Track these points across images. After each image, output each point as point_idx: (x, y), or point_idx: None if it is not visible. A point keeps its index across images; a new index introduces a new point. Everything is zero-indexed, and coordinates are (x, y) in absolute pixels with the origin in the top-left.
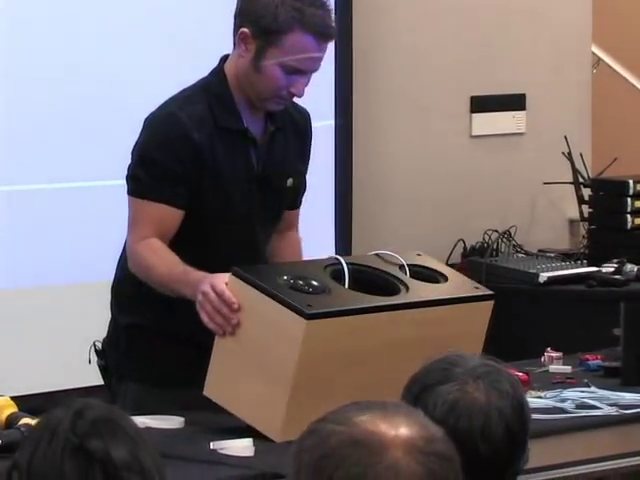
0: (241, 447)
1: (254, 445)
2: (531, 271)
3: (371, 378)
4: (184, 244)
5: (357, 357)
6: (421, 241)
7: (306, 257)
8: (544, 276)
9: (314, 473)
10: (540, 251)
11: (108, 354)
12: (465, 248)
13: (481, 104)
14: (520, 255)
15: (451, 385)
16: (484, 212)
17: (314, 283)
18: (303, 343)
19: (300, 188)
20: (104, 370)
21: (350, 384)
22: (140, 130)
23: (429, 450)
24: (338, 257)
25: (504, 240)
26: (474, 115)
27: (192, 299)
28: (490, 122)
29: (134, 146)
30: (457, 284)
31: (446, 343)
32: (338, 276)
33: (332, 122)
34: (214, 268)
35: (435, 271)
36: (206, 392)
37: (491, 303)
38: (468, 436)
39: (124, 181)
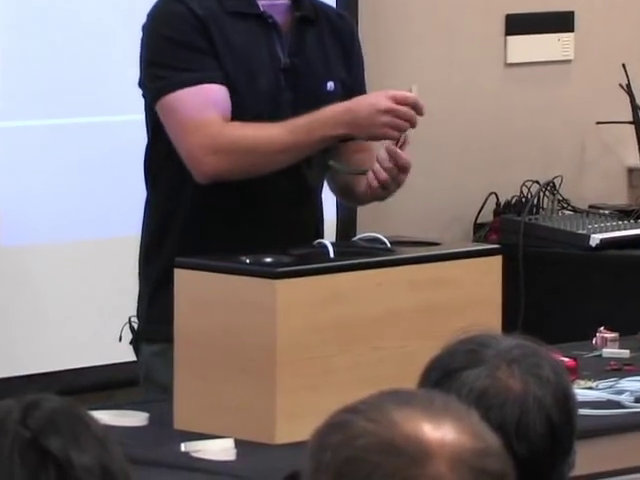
0: (220, 449)
1: (235, 447)
2: (580, 232)
3: (375, 358)
4: None
5: (353, 331)
6: (443, 195)
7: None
8: (596, 238)
9: (336, 477)
10: (591, 207)
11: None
12: (498, 204)
13: (518, 24)
14: (566, 212)
15: (480, 370)
16: (522, 159)
17: (283, 258)
18: (279, 311)
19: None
20: (137, 350)
21: (350, 366)
22: (141, 38)
23: (480, 466)
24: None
25: (547, 194)
26: (510, 38)
27: (343, 134)
28: (529, 47)
29: (140, 53)
30: (454, 244)
31: (457, 313)
32: (311, 254)
33: None
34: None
35: (426, 242)
36: (177, 425)
37: (499, 259)
38: (500, 432)
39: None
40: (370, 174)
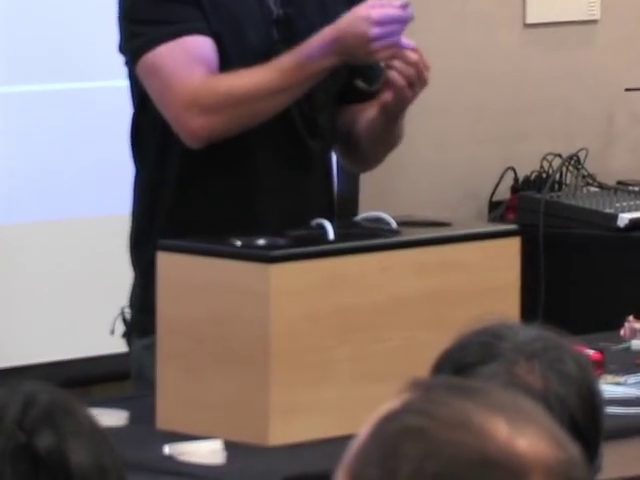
0: (207, 451)
1: (225, 449)
2: (607, 211)
3: (379, 350)
4: None
5: (354, 320)
6: (455, 170)
7: None
8: (625, 218)
9: None
10: (619, 183)
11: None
12: (517, 179)
13: None
14: (592, 189)
15: (496, 365)
16: (542, 130)
17: (273, 237)
18: (272, 298)
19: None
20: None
21: (352, 358)
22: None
23: (569, 478)
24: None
25: (570, 168)
26: None
27: (335, 64)
28: (551, 5)
29: (117, 12)
30: (467, 225)
31: (469, 301)
32: (308, 236)
33: None
34: (238, 145)
35: (436, 222)
36: (160, 424)
37: (517, 241)
38: None
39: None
40: (394, 74)
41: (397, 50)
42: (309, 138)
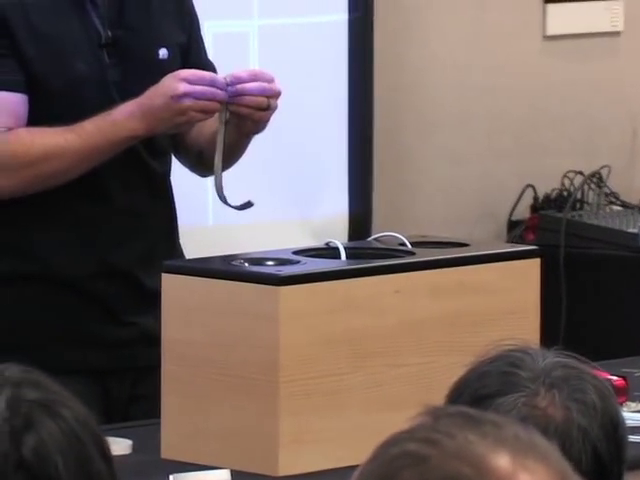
0: None
1: (232, 477)
2: (631, 230)
3: (393, 376)
4: None
5: (368, 344)
6: (472, 188)
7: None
8: None
9: None
10: None
11: None
12: (536, 198)
13: None
14: (615, 208)
15: (515, 396)
16: (563, 146)
17: (283, 257)
18: (282, 322)
19: (197, 65)
20: None
21: (365, 385)
22: None
23: None
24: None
25: (592, 186)
26: (549, 6)
27: (143, 133)
28: (572, 16)
29: None
30: (485, 245)
31: (487, 324)
32: (320, 256)
33: (344, 16)
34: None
35: (452, 242)
36: (165, 453)
37: (537, 262)
38: None
39: None
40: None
41: (213, 110)
42: (150, 159)
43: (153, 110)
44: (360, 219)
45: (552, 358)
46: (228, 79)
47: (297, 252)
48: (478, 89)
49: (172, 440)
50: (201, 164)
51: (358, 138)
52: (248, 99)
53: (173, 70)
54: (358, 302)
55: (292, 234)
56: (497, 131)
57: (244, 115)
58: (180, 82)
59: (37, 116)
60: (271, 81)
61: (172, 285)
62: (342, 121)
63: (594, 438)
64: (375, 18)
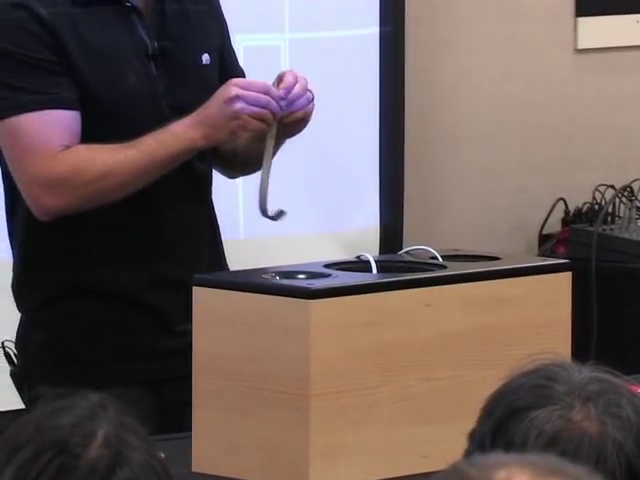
0: None
1: None
2: None
3: (424, 389)
4: None
5: (399, 358)
6: (503, 201)
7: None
8: None
9: None
10: None
11: (17, 357)
12: (567, 211)
13: (591, 4)
14: None
15: (550, 410)
16: (594, 159)
17: (314, 271)
18: (313, 336)
19: (230, 69)
20: (17, 379)
21: (396, 399)
22: None
23: None
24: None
25: (623, 200)
26: (580, 20)
27: (201, 142)
28: (603, 30)
29: None
30: (516, 259)
31: (519, 338)
32: (351, 270)
33: (375, 30)
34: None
35: (483, 256)
36: (196, 467)
37: (568, 275)
38: None
39: None
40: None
41: (267, 118)
42: (196, 161)
43: (208, 118)
44: (391, 232)
45: (588, 372)
46: (281, 92)
47: (328, 265)
48: (509, 103)
49: (203, 453)
50: (232, 165)
51: (390, 151)
52: (298, 111)
53: (215, 74)
54: (389, 316)
55: (323, 247)
56: (528, 145)
57: (291, 124)
58: (232, 86)
59: (91, 130)
60: (307, 82)
61: (203, 298)
62: (374, 135)
63: (629, 452)
64: (406, 32)
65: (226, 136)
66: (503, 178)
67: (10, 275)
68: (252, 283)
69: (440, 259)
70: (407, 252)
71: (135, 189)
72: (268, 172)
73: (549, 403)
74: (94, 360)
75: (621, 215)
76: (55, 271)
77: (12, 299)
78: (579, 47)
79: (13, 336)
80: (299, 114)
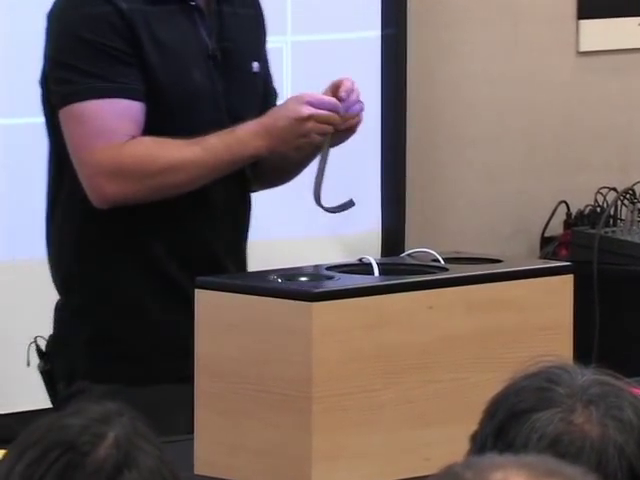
0: None
1: None
2: None
3: (427, 392)
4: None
5: (401, 360)
6: (505, 204)
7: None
8: None
9: None
10: None
11: (55, 353)
12: (569, 214)
13: (593, 6)
14: None
15: (552, 412)
16: (596, 162)
17: (316, 273)
18: (315, 338)
19: (269, 82)
20: (49, 376)
21: (398, 401)
22: (46, 29)
23: None
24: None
25: (625, 202)
26: (582, 22)
27: (265, 151)
28: (605, 32)
29: (45, 48)
30: (518, 261)
31: (521, 340)
32: (353, 272)
33: (377, 32)
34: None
35: (486, 258)
36: (198, 469)
37: (570, 278)
38: None
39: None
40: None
41: (329, 132)
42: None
43: (277, 130)
44: (393, 235)
45: (590, 375)
46: (342, 95)
47: (330, 268)
48: (511, 105)
49: (206, 456)
50: (269, 177)
51: (391, 154)
52: (354, 120)
53: (261, 83)
54: (391, 318)
55: (325, 250)
56: (530, 147)
57: (343, 131)
58: (304, 105)
59: (151, 123)
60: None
61: (205, 301)
62: (375, 137)
63: (630, 455)
64: (409, 34)
65: (291, 150)
66: (505, 180)
67: (42, 274)
68: (254, 286)
69: (442, 261)
70: (409, 254)
71: (197, 186)
72: (321, 182)
73: (551, 406)
74: (142, 357)
75: (623, 218)
76: (110, 264)
77: (43, 297)
78: (581, 50)
79: (42, 332)
80: (352, 121)
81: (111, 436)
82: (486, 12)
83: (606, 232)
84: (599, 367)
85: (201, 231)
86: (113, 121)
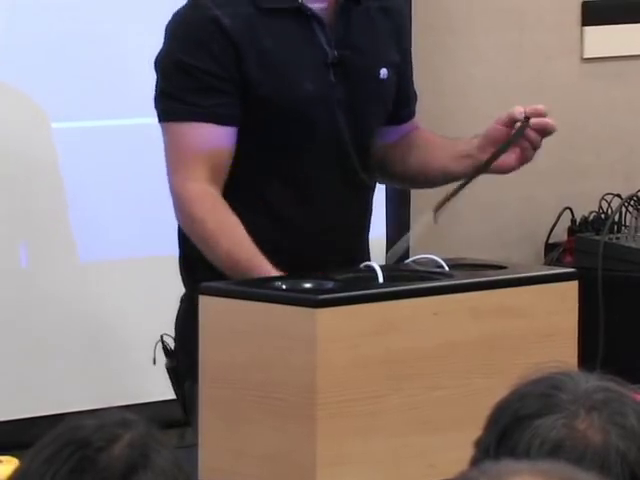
0: None
1: None
2: None
3: (431, 398)
4: (247, 181)
5: (406, 367)
6: (510, 209)
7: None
8: None
9: None
10: None
11: (182, 352)
12: (574, 220)
13: (597, 13)
14: None
15: (555, 418)
16: (601, 168)
17: (321, 280)
18: (319, 344)
19: (406, 88)
20: (175, 374)
21: (403, 407)
22: (164, 40)
23: None
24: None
25: (630, 209)
26: (587, 29)
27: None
28: (610, 38)
29: (157, 57)
30: (522, 268)
31: (526, 347)
32: (357, 279)
33: None
34: (296, 202)
35: (490, 265)
36: (203, 475)
37: (575, 284)
38: None
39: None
40: (533, 134)
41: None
42: (361, 170)
43: None
44: (397, 241)
45: (594, 381)
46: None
47: (335, 274)
48: None
49: (211, 462)
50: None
51: None
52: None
53: (391, 91)
54: (396, 324)
55: None
56: (535, 153)
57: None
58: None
59: (267, 135)
60: None
61: (210, 307)
62: None
63: (632, 461)
64: (413, 40)
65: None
66: (510, 187)
67: (169, 271)
68: (259, 292)
69: (447, 268)
70: (414, 261)
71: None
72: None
73: (554, 411)
74: None
75: (628, 224)
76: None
77: (168, 294)
78: (585, 56)
79: (168, 330)
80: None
81: (126, 437)
82: (491, 18)
83: (610, 239)
84: (604, 373)
85: (309, 238)
86: (189, 150)
